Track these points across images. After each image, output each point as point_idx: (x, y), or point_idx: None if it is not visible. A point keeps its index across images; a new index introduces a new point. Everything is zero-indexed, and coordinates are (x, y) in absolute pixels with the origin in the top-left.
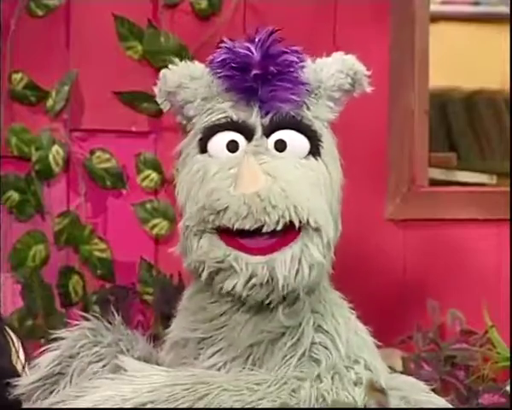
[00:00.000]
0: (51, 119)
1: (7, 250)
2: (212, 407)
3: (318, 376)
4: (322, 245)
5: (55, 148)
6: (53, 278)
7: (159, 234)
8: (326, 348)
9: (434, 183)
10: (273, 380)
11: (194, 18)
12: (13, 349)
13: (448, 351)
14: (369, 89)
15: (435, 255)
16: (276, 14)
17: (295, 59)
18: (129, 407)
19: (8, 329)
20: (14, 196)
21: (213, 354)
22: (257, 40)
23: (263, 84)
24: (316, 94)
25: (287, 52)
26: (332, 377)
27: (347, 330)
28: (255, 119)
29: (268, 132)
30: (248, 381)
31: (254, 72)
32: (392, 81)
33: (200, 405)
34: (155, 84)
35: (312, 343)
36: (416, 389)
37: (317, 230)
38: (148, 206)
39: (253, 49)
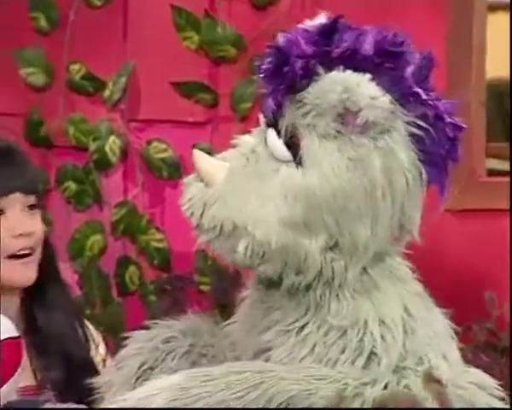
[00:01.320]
0: (109, 109)
1: (65, 240)
2: (266, 396)
3: (380, 379)
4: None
5: (113, 138)
6: (110, 268)
7: None
8: (388, 344)
9: (492, 173)
10: (334, 378)
11: (250, 8)
12: (92, 344)
13: (506, 342)
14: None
15: (493, 246)
16: (331, 2)
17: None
18: (184, 395)
19: (87, 323)
20: (72, 186)
21: (271, 326)
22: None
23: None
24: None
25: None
26: (394, 381)
27: (413, 322)
28: None
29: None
30: (309, 374)
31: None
32: (449, 72)
33: (255, 394)
34: (212, 74)
35: (374, 339)
36: (481, 392)
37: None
38: None
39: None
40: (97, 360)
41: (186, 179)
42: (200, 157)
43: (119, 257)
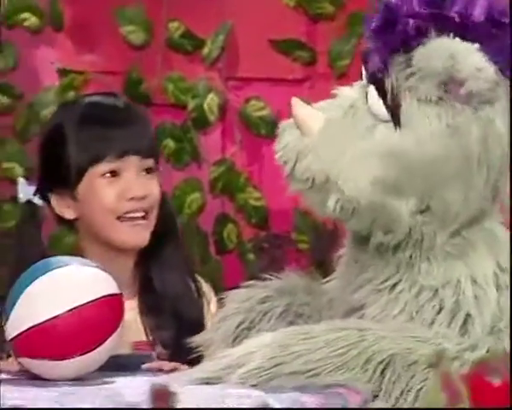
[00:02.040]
0: (207, 67)
1: None
2: (367, 354)
3: (480, 344)
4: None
5: (211, 96)
6: (209, 226)
7: None
8: (481, 303)
9: None
10: (433, 341)
11: None
12: (204, 301)
13: None
14: None
15: None
16: None
17: None
18: (283, 353)
19: (200, 279)
20: (171, 144)
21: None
22: None
23: None
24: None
25: None
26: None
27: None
28: None
29: None
30: (410, 334)
31: None
32: None
33: (355, 352)
34: (310, 31)
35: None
36: None
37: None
38: None
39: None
40: (208, 317)
41: (281, 125)
42: (298, 105)
43: (218, 215)
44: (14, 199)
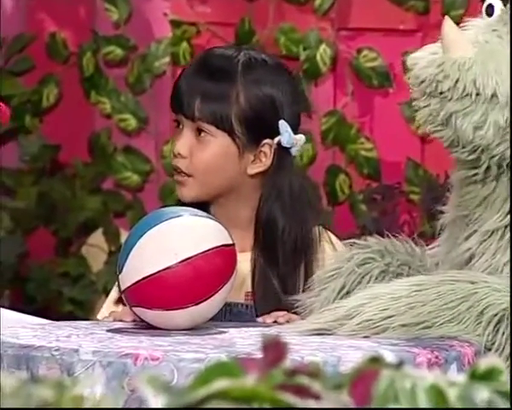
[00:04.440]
0: (319, 18)
1: None
2: (479, 308)
3: None
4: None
5: (323, 47)
6: (320, 177)
7: (425, 133)
8: None
9: None
10: None
11: None
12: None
13: None
14: None
15: None
16: None
17: None
18: (395, 305)
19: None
20: None
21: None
22: None
23: None
24: None
25: None
26: None
27: None
28: None
29: None
30: None
31: None
32: None
33: (466, 305)
34: None
35: None
36: None
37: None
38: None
39: None
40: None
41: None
42: (448, 25)
43: (329, 166)
44: (128, 150)
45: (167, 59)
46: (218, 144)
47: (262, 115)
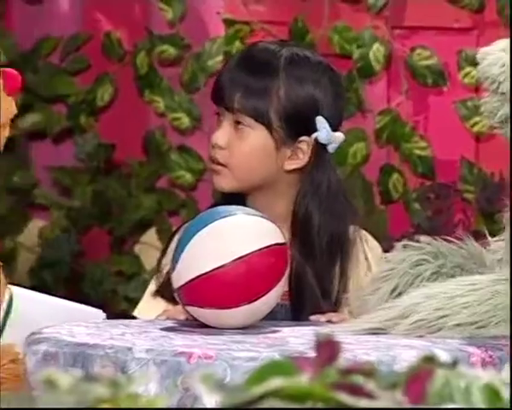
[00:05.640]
0: (373, 16)
1: None
2: None
3: None
4: None
5: (377, 45)
6: (373, 176)
7: (480, 132)
8: None
9: None
10: None
11: None
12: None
13: None
14: None
15: None
16: None
17: None
18: (450, 304)
19: (366, 234)
20: None
21: None
22: None
23: None
24: None
25: None
26: None
27: None
28: None
29: None
30: None
31: None
32: None
33: None
34: None
35: None
36: None
37: None
38: (469, 103)
39: None
40: (361, 270)
41: (482, 50)
42: None
43: (383, 165)
44: (182, 149)
45: (220, 57)
46: (255, 137)
47: (301, 112)
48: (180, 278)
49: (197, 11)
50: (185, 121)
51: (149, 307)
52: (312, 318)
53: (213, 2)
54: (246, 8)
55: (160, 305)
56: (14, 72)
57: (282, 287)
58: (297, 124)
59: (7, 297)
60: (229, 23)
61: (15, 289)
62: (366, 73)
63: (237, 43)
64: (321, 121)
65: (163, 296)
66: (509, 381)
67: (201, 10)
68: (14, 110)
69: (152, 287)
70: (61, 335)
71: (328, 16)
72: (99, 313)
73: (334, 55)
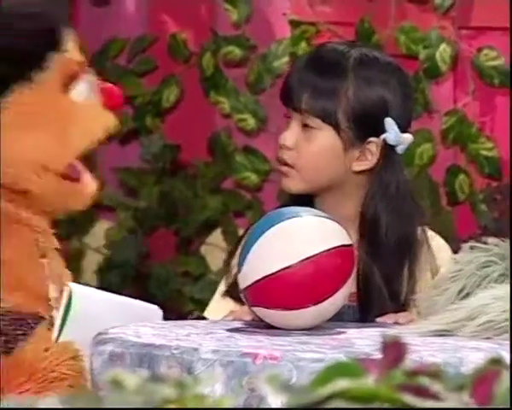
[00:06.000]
0: (440, 16)
1: None
2: None
3: None
4: None
5: (443, 46)
6: (440, 177)
7: None
8: None
9: None
10: None
11: None
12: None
13: None
14: None
15: None
16: None
17: None
18: None
19: (436, 235)
20: None
21: None
22: None
23: None
24: None
25: None
26: None
27: None
28: None
29: None
30: None
31: None
32: None
33: None
34: None
35: None
36: None
37: None
38: None
39: None
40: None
41: None
42: None
43: (449, 166)
44: (247, 150)
45: (286, 58)
46: (323, 138)
47: (370, 113)
48: (246, 278)
49: (263, 12)
50: (251, 122)
51: (219, 307)
52: (379, 319)
53: (279, 4)
54: (312, 8)
55: (229, 305)
56: (115, 88)
57: (348, 288)
58: (366, 125)
59: (66, 294)
60: (295, 24)
61: (74, 287)
62: (433, 74)
63: (303, 45)
64: (390, 123)
65: (232, 297)
66: None
67: (267, 11)
68: (114, 124)
69: (221, 288)
70: (126, 335)
71: (394, 16)
72: (156, 309)
73: (401, 56)
